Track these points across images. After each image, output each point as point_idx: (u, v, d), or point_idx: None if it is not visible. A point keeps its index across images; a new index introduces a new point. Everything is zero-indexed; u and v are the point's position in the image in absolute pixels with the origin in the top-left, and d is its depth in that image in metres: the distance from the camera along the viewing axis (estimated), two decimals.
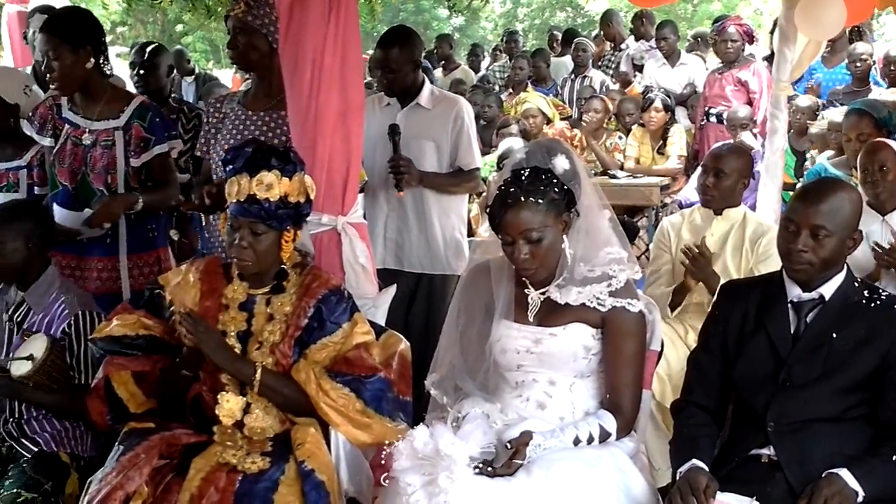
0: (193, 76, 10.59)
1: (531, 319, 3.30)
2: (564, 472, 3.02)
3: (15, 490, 3.60)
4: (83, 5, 9.30)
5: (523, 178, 3.17)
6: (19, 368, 3.76)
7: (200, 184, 4.41)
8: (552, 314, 3.28)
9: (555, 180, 3.19)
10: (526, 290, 3.32)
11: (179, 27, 23.66)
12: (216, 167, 4.35)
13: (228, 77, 12.93)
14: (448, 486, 2.85)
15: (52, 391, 3.82)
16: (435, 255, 5.01)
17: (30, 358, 3.75)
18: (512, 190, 3.16)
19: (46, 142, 4.54)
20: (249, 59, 4.28)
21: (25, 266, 3.96)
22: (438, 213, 4.99)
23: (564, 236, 3.23)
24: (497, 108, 9.42)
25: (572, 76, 10.76)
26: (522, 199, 3.14)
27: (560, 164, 3.21)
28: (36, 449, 3.81)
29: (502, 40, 13.55)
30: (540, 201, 3.14)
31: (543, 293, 3.30)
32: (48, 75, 4.38)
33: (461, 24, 29.24)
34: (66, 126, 4.50)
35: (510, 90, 10.69)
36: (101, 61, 4.44)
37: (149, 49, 6.04)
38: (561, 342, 3.26)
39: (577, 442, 3.16)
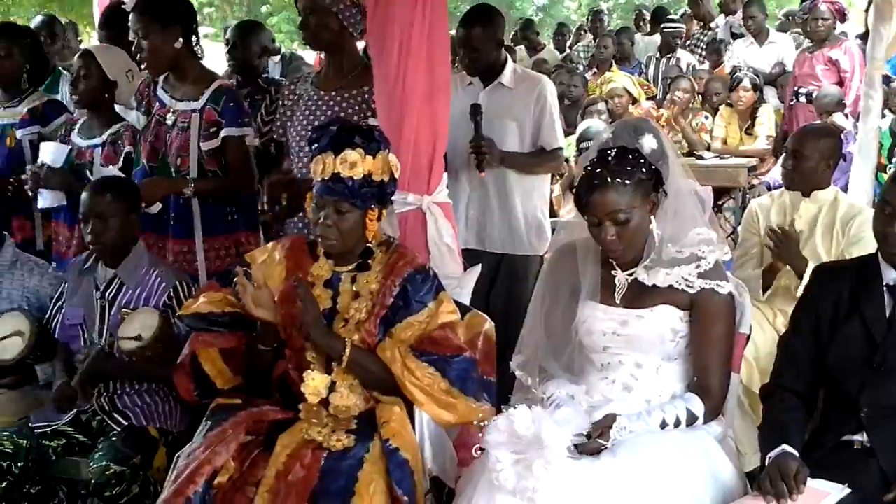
0: (279, 56, 10.66)
1: (618, 301, 3.26)
2: (651, 455, 2.99)
3: (104, 463, 3.68)
4: None
5: (610, 158, 3.13)
6: (134, 340, 3.84)
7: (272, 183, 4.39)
8: (639, 296, 3.24)
9: (642, 160, 3.14)
10: (612, 272, 3.28)
11: (265, 8, 23.87)
12: (293, 149, 4.39)
13: (313, 57, 12.97)
14: (542, 475, 2.81)
15: (167, 362, 3.85)
16: (516, 236, 5.00)
17: (138, 337, 3.83)
18: (598, 171, 3.12)
19: (142, 119, 4.58)
20: (321, 38, 4.27)
21: (125, 242, 4.04)
22: (520, 194, 4.97)
23: (652, 217, 3.18)
24: (582, 88, 9.32)
25: (657, 56, 10.63)
26: (609, 179, 3.09)
27: (647, 143, 3.16)
28: (126, 423, 3.88)
29: (588, 19, 13.42)
30: (627, 182, 3.09)
31: (630, 274, 3.26)
32: (139, 55, 4.41)
33: (544, 3, 29.08)
34: (157, 104, 4.55)
35: (595, 69, 10.59)
36: (192, 42, 4.47)
37: (241, 27, 6.07)
38: (648, 324, 3.22)
39: (663, 425, 3.12)
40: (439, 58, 3.87)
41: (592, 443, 3.01)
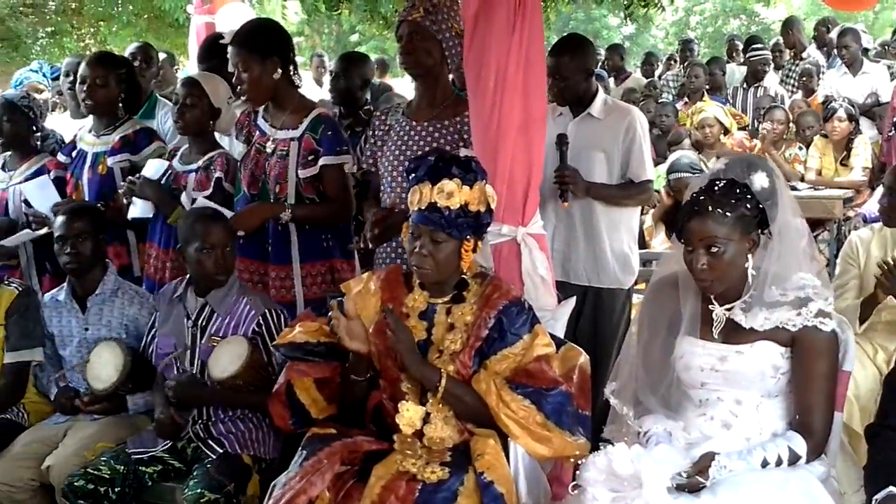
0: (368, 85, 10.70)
1: (716, 336, 3.21)
2: (752, 495, 2.94)
3: (199, 490, 3.71)
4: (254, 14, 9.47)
5: (716, 188, 3.11)
6: (225, 369, 3.87)
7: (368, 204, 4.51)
8: (738, 331, 3.19)
9: (749, 196, 3.11)
10: (710, 306, 3.23)
11: (354, 37, 24.10)
12: (384, 179, 4.40)
13: (397, 87, 13.05)
14: None
15: (258, 389, 3.91)
16: (602, 269, 4.91)
17: (229, 366, 3.88)
18: (702, 198, 3.11)
19: (241, 147, 4.64)
20: (422, 63, 4.28)
21: (229, 269, 4.12)
22: (607, 226, 4.88)
23: (750, 255, 3.14)
24: (673, 118, 9.26)
25: (744, 85, 10.50)
26: (710, 208, 3.07)
27: (758, 181, 3.13)
28: (221, 450, 3.91)
29: (677, 49, 13.32)
30: (728, 214, 3.06)
31: (728, 309, 3.21)
32: (239, 87, 4.46)
33: (631, 32, 28.98)
34: (257, 133, 4.60)
35: (685, 99, 10.49)
36: (290, 71, 4.50)
37: (345, 59, 6.14)
38: (748, 360, 3.17)
39: (764, 464, 3.05)
40: (535, 89, 3.84)
41: (692, 480, 2.96)
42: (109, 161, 5.01)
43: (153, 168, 4.75)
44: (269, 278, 4.54)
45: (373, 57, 22.19)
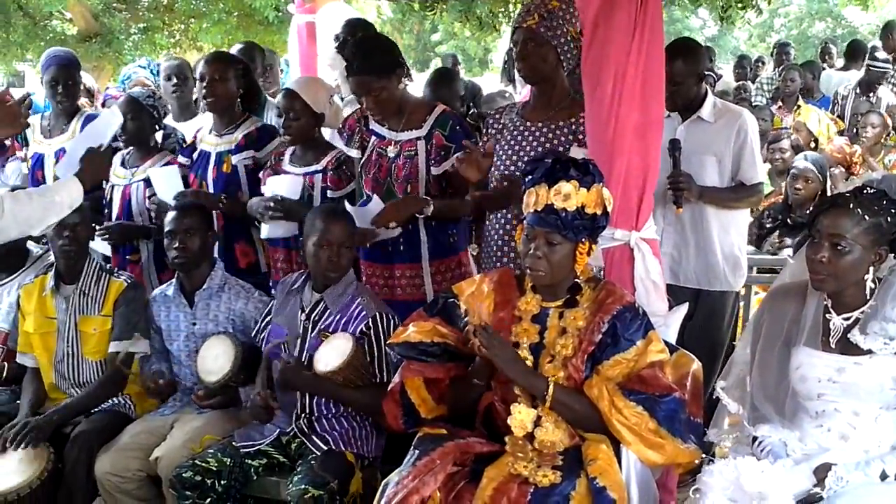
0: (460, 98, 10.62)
1: (833, 345, 3.17)
2: None
3: (303, 486, 3.74)
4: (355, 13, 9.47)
5: (865, 191, 3.10)
6: (328, 364, 3.91)
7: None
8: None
9: (893, 211, 3.07)
10: (828, 315, 3.19)
11: (435, 36, 24.14)
12: (496, 178, 4.38)
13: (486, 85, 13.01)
14: None
15: (356, 387, 3.95)
16: (712, 271, 4.87)
17: (333, 356, 3.91)
18: (847, 195, 3.11)
19: (354, 153, 4.67)
20: (538, 69, 4.26)
21: (342, 267, 4.15)
22: (717, 229, 4.85)
23: (871, 268, 3.10)
24: (769, 122, 9.11)
25: (856, 91, 10.29)
26: (851, 206, 3.06)
27: None
28: (325, 447, 3.95)
29: (773, 52, 13.13)
30: (866, 217, 3.04)
31: (847, 318, 3.16)
32: (371, 112, 4.52)
33: (714, 34, 28.74)
34: (373, 138, 4.61)
35: (779, 103, 10.33)
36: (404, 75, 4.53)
37: (432, 84, 6.16)
38: (866, 372, 3.11)
39: (883, 477, 3.01)
40: (654, 92, 3.78)
41: (810, 496, 2.95)
42: (234, 159, 5.03)
43: (289, 187, 4.64)
44: (395, 279, 4.58)
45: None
